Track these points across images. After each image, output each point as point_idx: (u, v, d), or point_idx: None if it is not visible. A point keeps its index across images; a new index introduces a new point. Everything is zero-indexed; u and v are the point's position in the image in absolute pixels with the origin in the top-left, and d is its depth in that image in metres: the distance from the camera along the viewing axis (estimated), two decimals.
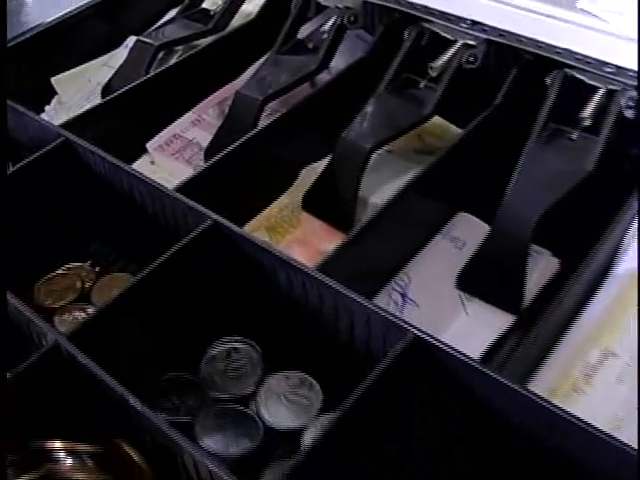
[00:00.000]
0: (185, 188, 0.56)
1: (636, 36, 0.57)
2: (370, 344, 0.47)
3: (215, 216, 0.51)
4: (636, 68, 0.57)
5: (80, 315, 0.58)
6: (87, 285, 0.61)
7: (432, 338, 0.43)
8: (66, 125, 0.63)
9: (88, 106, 0.73)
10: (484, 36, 0.66)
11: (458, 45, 0.66)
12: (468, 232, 0.62)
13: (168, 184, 0.68)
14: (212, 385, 0.52)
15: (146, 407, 0.40)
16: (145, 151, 0.72)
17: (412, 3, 0.69)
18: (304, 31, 0.78)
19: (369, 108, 0.65)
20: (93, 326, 0.45)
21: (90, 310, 0.58)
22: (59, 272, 0.61)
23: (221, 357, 0.54)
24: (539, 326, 0.48)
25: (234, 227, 0.51)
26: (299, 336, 0.53)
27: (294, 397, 0.51)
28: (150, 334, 0.51)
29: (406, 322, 0.44)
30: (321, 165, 0.68)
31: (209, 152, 0.70)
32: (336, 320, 0.48)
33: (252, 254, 0.50)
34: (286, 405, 0.51)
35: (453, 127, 0.72)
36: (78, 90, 0.77)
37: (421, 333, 0.43)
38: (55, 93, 0.78)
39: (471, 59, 0.65)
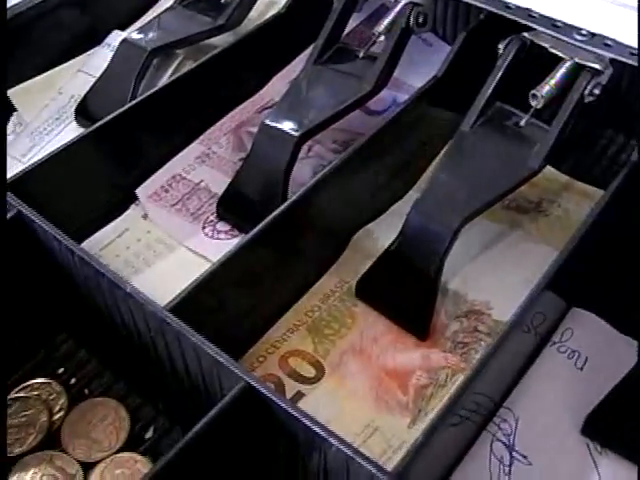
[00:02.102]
0: (184, 303, 0.38)
1: None
2: None
3: (247, 377, 0.33)
4: None
5: (46, 475, 0.40)
6: (56, 416, 0.43)
7: None
8: (14, 184, 0.44)
9: (57, 132, 0.54)
10: (609, 54, 0.47)
11: (568, 65, 0.47)
12: (590, 341, 0.45)
13: (167, 250, 0.51)
14: None
15: None
16: (135, 199, 0.53)
17: (506, 3, 0.50)
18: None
19: (454, 158, 0.46)
20: None
21: (60, 464, 0.41)
22: (17, 394, 0.44)
23: None
24: None
25: (269, 393, 0.33)
26: None
27: None
28: None
29: None
30: (381, 228, 0.50)
31: (224, 204, 0.52)
32: None
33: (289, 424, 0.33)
34: None
35: (552, 170, 0.54)
36: (45, 106, 0.58)
37: None
38: (14, 110, 0.58)
39: (596, 90, 0.46)
